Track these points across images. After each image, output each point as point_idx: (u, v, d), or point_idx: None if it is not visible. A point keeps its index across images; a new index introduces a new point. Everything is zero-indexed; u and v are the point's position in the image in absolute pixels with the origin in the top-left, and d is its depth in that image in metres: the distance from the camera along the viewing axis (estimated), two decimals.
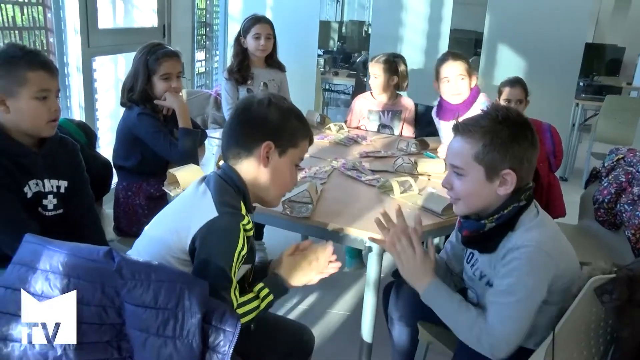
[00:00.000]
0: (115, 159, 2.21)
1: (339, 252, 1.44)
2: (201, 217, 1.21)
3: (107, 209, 2.34)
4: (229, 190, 1.28)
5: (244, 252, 1.25)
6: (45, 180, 1.59)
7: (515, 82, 2.89)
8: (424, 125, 2.93)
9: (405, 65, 2.97)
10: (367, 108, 3.03)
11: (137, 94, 2.10)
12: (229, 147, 1.33)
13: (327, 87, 6.06)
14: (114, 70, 3.31)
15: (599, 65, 5.77)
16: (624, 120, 4.49)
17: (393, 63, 2.89)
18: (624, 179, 2.28)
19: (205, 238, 1.20)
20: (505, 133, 1.30)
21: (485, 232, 1.37)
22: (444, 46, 4.05)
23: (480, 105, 2.40)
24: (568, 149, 4.68)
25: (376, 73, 2.91)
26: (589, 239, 2.44)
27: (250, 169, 1.31)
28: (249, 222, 1.27)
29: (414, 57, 4.10)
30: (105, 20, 3.09)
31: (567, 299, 1.32)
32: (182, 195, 1.36)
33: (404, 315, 1.67)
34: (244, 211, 1.26)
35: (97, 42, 2.87)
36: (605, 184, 2.37)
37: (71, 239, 1.57)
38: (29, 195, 1.55)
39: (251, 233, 1.30)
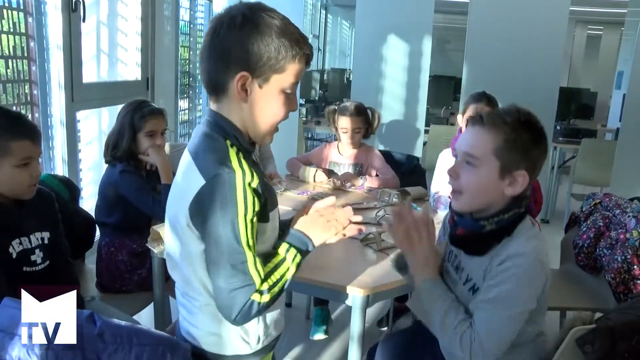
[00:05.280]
0: (98, 215, 2.20)
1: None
2: (190, 191, 1.08)
3: (90, 263, 2.32)
4: (214, 144, 1.11)
5: (250, 215, 1.07)
6: (31, 236, 1.58)
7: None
8: (406, 174, 2.94)
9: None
10: (332, 160, 2.95)
11: (122, 152, 2.12)
12: (206, 87, 1.16)
13: (309, 135, 6.12)
14: (97, 122, 3.32)
15: (575, 108, 5.94)
16: (601, 162, 4.59)
17: (369, 113, 2.84)
18: (601, 224, 2.33)
19: (199, 214, 1.07)
20: (527, 135, 1.28)
21: (483, 233, 1.32)
22: (423, 95, 4.16)
23: None
24: (548, 192, 4.76)
25: (358, 127, 2.81)
26: (570, 283, 2.47)
27: (231, 108, 1.13)
28: (251, 173, 1.07)
29: (393, 106, 4.20)
30: (90, 73, 3.13)
31: (550, 350, 1.33)
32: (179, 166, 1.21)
33: None
34: (235, 163, 1.07)
35: (81, 96, 2.89)
36: (584, 229, 2.41)
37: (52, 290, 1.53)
38: (14, 255, 1.53)
39: (256, 184, 1.08)
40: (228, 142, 1.12)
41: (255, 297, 1.08)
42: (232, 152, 1.10)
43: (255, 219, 1.09)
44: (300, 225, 1.22)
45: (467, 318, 1.29)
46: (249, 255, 1.07)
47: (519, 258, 1.26)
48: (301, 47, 1.11)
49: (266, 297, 1.09)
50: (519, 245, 1.29)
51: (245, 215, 1.06)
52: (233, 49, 1.07)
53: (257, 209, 1.09)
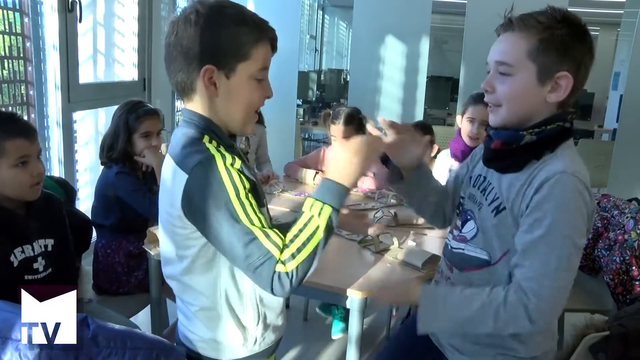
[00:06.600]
0: (95, 217, 2.19)
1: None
2: (177, 190, 1.05)
3: (86, 265, 2.31)
4: (190, 139, 1.09)
5: (243, 193, 1.02)
6: (34, 243, 1.55)
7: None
8: None
9: None
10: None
11: (118, 153, 2.11)
12: (175, 89, 1.13)
13: (306, 136, 6.12)
14: (94, 123, 3.31)
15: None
16: (598, 163, 4.60)
17: (360, 119, 2.72)
18: (600, 225, 2.33)
19: (192, 210, 1.04)
20: (565, 31, 1.13)
21: (521, 146, 1.17)
22: (421, 95, 4.16)
23: None
24: None
25: (347, 136, 2.69)
26: None
27: (204, 104, 1.10)
28: (232, 156, 1.05)
29: (391, 106, 4.20)
30: (86, 74, 3.11)
31: (562, 358, 1.32)
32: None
33: None
34: (213, 149, 1.06)
35: (78, 97, 2.88)
36: None
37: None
38: (15, 264, 1.50)
39: (239, 165, 1.05)
40: (206, 138, 1.10)
41: (279, 268, 1.00)
42: (211, 146, 1.08)
43: (250, 196, 1.04)
44: (329, 169, 1.10)
45: (493, 289, 1.14)
46: (256, 230, 1.01)
47: (562, 176, 1.10)
48: (262, 30, 1.09)
49: (292, 265, 1.00)
50: (562, 163, 1.13)
51: (238, 195, 1.02)
52: (193, 45, 1.06)
53: (247, 186, 1.04)
